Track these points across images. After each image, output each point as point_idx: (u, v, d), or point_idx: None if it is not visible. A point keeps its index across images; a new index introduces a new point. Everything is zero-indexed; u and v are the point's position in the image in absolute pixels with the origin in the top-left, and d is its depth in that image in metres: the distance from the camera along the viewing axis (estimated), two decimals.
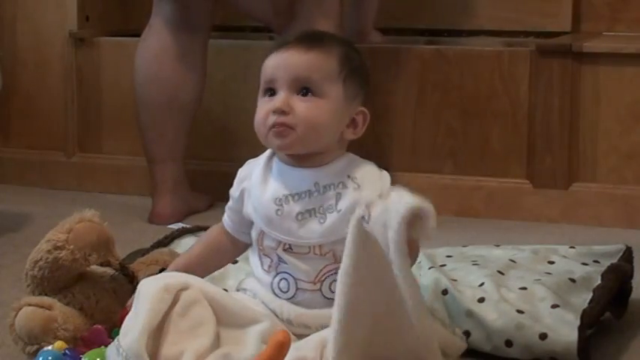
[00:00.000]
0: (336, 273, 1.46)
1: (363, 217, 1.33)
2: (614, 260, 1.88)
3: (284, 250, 1.51)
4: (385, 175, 1.53)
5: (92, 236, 1.66)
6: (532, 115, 2.59)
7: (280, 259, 1.51)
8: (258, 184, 1.54)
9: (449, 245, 2.04)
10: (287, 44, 1.53)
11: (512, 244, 2.04)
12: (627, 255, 1.92)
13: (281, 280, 1.52)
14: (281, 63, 1.52)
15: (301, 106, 1.49)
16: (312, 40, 1.54)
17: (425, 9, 2.95)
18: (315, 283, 1.50)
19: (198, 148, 2.80)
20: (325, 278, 1.50)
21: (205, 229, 2.10)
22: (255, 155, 1.59)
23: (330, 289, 1.50)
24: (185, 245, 2.00)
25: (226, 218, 1.61)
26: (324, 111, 1.50)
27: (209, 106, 2.80)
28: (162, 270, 1.74)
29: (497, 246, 2.01)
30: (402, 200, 1.30)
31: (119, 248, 1.74)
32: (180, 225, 2.44)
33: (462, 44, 2.81)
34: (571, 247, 1.98)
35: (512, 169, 2.62)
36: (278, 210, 1.50)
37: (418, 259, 1.61)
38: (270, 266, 1.53)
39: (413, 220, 1.29)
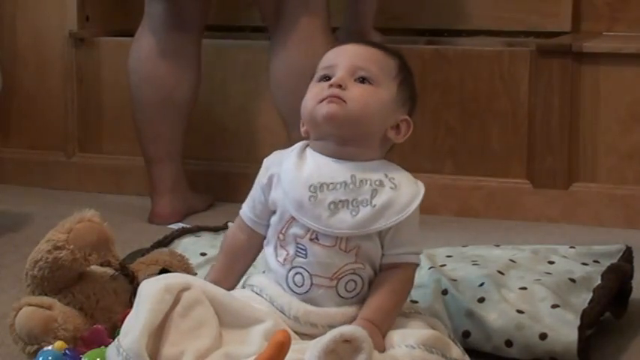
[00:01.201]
0: (354, 273, 1.48)
1: None
2: (614, 260, 1.88)
3: (310, 239, 1.50)
4: (421, 185, 1.54)
5: (92, 236, 1.66)
6: (532, 115, 2.59)
7: (298, 253, 1.51)
8: (292, 169, 1.53)
9: (449, 245, 2.04)
10: (350, 43, 1.60)
11: (512, 244, 2.04)
12: (627, 255, 1.92)
13: (296, 274, 1.51)
14: (342, 51, 1.58)
15: (356, 87, 1.53)
16: (375, 43, 1.62)
17: (425, 9, 2.95)
18: (332, 280, 1.50)
19: (198, 148, 2.80)
20: (343, 276, 1.50)
21: (205, 229, 2.11)
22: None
23: (345, 288, 1.50)
24: (185, 245, 2.00)
25: (246, 210, 1.59)
26: (377, 99, 1.53)
27: (209, 106, 2.80)
28: (162, 270, 1.75)
29: (497, 246, 2.01)
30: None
31: (119, 248, 1.74)
32: (180, 225, 2.44)
33: (462, 44, 2.81)
34: (571, 247, 1.98)
35: (512, 169, 2.62)
36: (311, 196, 1.50)
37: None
38: (285, 259, 1.52)
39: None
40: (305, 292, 1.51)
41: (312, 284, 1.50)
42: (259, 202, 1.57)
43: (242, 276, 1.62)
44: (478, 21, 2.91)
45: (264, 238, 1.58)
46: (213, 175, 2.73)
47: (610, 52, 2.54)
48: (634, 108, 2.53)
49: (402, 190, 1.52)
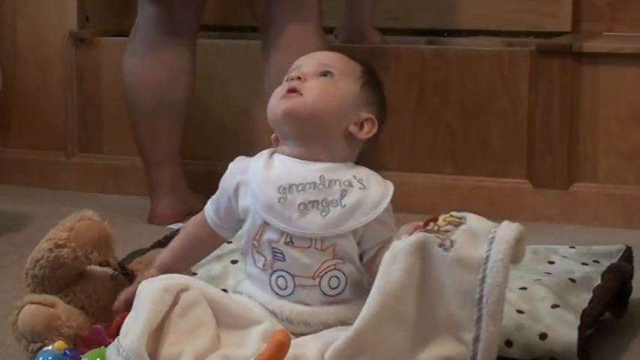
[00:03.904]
0: (335, 269, 1.48)
1: (441, 245, 1.37)
2: (614, 260, 1.88)
3: (285, 243, 1.50)
4: (389, 185, 1.54)
5: (93, 234, 1.66)
6: (532, 115, 2.59)
7: (276, 257, 1.51)
8: (261, 171, 1.53)
9: None
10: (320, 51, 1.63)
11: None
12: (627, 255, 1.93)
13: (278, 277, 1.52)
14: (308, 55, 1.60)
15: (315, 79, 1.55)
16: (340, 50, 1.64)
17: (425, 9, 2.95)
18: (314, 279, 1.50)
19: (198, 148, 2.80)
20: (324, 274, 1.50)
21: None
22: (256, 154, 1.59)
23: (329, 285, 1.50)
24: None
25: (210, 211, 1.61)
26: (336, 90, 1.54)
27: (209, 106, 2.80)
28: None
29: None
30: (504, 225, 1.40)
31: (119, 248, 1.75)
32: (180, 225, 2.44)
33: (462, 44, 2.81)
34: (571, 247, 1.98)
35: (512, 169, 2.62)
36: (281, 198, 1.50)
37: None
38: (264, 264, 1.52)
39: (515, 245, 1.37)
40: (290, 294, 1.51)
41: (295, 285, 1.51)
42: (224, 207, 1.58)
43: (193, 264, 1.68)
44: (478, 21, 2.91)
45: (224, 239, 1.62)
46: (213, 175, 2.71)
47: (610, 52, 2.54)
48: (634, 108, 2.53)
49: (370, 191, 1.51)
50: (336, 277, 1.50)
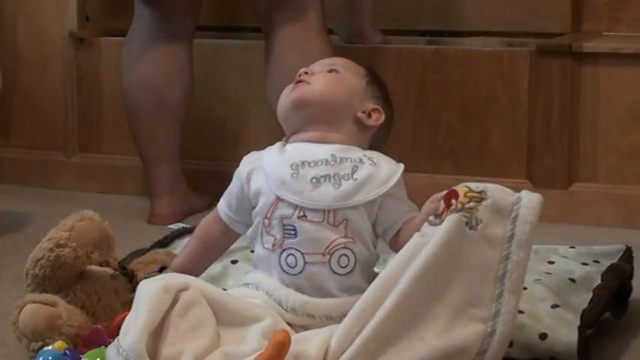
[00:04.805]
0: (345, 247, 1.51)
1: (467, 223, 1.40)
2: (614, 260, 1.88)
3: (299, 217, 1.52)
4: (400, 164, 1.58)
5: (94, 234, 1.67)
6: (532, 115, 2.59)
7: (286, 234, 1.52)
8: (274, 155, 1.58)
9: None
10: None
11: None
12: (627, 255, 1.93)
13: (288, 256, 1.53)
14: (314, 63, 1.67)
15: (323, 73, 1.61)
16: (341, 53, 1.76)
17: (425, 11, 2.95)
18: (324, 255, 1.52)
19: (199, 148, 2.80)
20: (335, 251, 1.52)
21: None
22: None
23: (338, 263, 1.52)
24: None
25: (223, 206, 1.64)
26: (342, 81, 1.61)
27: (209, 106, 2.80)
28: (162, 268, 1.75)
29: None
30: (525, 202, 1.45)
31: (119, 248, 1.75)
32: (180, 225, 2.44)
33: (462, 44, 2.81)
34: (571, 247, 1.98)
35: (512, 169, 2.62)
36: (293, 173, 1.54)
37: None
38: (274, 244, 1.54)
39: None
40: (299, 273, 1.52)
41: (305, 263, 1.52)
42: (236, 196, 1.61)
43: (209, 265, 1.69)
44: (478, 23, 2.91)
45: (238, 235, 1.64)
46: (213, 175, 2.72)
47: (610, 52, 2.54)
48: (634, 108, 2.53)
49: (381, 167, 1.55)
50: (346, 255, 1.52)
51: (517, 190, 1.51)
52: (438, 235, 1.42)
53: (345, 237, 1.52)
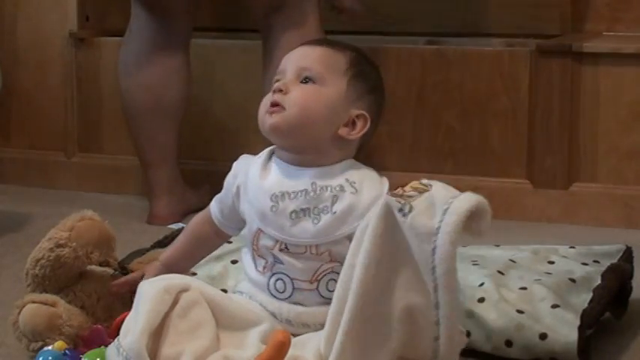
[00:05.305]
0: (332, 272, 1.49)
1: (400, 210, 1.35)
2: (614, 260, 1.88)
3: (280, 250, 1.51)
4: (385, 182, 1.53)
5: (94, 234, 1.67)
6: (532, 115, 2.59)
7: (276, 260, 1.52)
8: (256, 179, 1.54)
9: None
10: (303, 45, 1.59)
11: (512, 244, 2.04)
12: (627, 255, 1.93)
13: (277, 280, 1.52)
14: (290, 56, 1.58)
15: (298, 89, 1.53)
16: (325, 40, 1.62)
17: (425, 13, 2.94)
18: (312, 282, 1.51)
19: (199, 148, 2.80)
20: (322, 277, 1.51)
21: None
22: (255, 155, 1.60)
23: (327, 288, 1.51)
24: None
25: (215, 210, 1.62)
26: (319, 97, 1.52)
27: (209, 106, 2.80)
28: None
29: (497, 246, 2.01)
30: (461, 197, 1.36)
31: (119, 248, 1.75)
32: (180, 225, 2.44)
33: (462, 44, 2.81)
34: (571, 247, 1.98)
35: (512, 169, 2.62)
36: (273, 206, 1.51)
37: None
38: (265, 267, 1.53)
39: (470, 218, 1.34)
40: (288, 297, 1.51)
41: (293, 288, 1.51)
42: (227, 206, 1.60)
43: (197, 262, 1.69)
44: (478, 25, 2.91)
45: (229, 236, 1.64)
46: (213, 175, 2.72)
47: (610, 52, 2.54)
48: (634, 108, 2.53)
49: (363, 194, 1.50)
50: (334, 279, 1.49)
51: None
52: (373, 220, 1.38)
53: (331, 262, 1.50)
